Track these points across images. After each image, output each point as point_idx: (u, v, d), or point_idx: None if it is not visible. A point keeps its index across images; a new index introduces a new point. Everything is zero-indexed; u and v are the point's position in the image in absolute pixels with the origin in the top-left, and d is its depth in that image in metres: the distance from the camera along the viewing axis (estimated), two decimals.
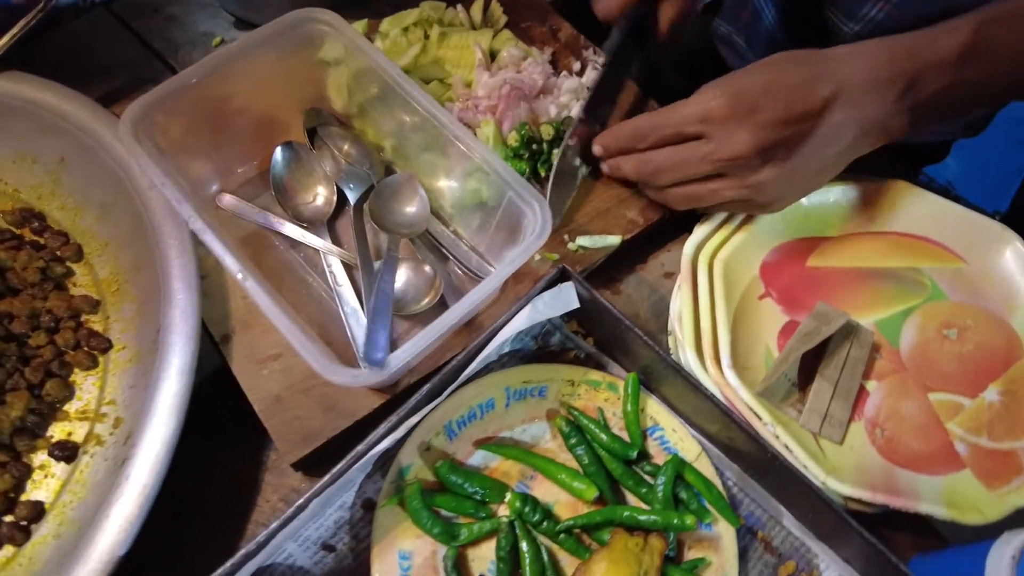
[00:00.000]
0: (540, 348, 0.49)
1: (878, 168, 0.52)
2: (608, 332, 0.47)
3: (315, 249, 0.50)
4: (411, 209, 0.50)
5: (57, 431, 0.45)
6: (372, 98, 0.51)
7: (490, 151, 0.45)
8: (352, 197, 0.51)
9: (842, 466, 0.41)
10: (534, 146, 0.54)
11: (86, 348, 0.48)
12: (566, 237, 0.53)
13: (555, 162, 0.52)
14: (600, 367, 0.48)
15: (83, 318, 0.50)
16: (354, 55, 0.49)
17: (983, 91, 0.44)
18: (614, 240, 0.53)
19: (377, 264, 0.48)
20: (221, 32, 0.66)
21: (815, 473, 0.39)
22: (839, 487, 0.39)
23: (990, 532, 0.39)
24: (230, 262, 0.39)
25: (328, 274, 0.48)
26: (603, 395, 0.46)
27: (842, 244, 0.51)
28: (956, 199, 0.51)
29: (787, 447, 0.40)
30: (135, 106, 0.44)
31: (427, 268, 0.48)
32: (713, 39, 0.70)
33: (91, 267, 0.52)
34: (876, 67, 0.42)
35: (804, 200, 0.50)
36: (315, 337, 0.45)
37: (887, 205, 0.51)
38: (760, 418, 0.41)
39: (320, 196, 0.51)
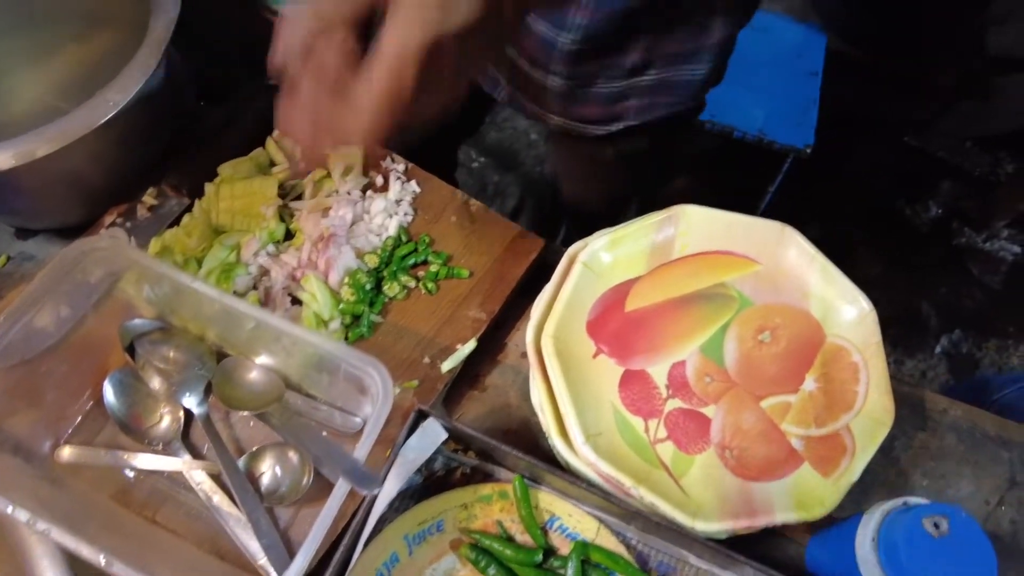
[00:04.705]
0: (427, 478, 0.51)
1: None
2: (483, 447, 0.50)
3: None
4: (260, 377, 0.50)
5: None
6: (175, 299, 0.51)
7: (304, 330, 0.46)
8: (193, 405, 0.50)
9: (705, 502, 0.46)
10: (368, 286, 0.56)
11: None
12: (426, 360, 0.55)
13: None
14: (488, 475, 0.51)
15: None
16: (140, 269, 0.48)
17: None
18: (471, 346, 0.55)
19: (241, 460, 0.48)
20: (4, 248, 0.62)
21: (683, 521, 0.44)
22: (706, 527, 0.44)
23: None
24: (87, 552, 0.38)
25: (198, 491, 0.48)
26: (497, 506, 0.49)
27: (651, 280, 0.55)
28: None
29: (653, 504, 0.45)
30: None
31: (291, 454, 0.48)
32: None
33: None
34: None
35: (606, 256, 0.54)
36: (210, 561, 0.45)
37: (681, 231, 0.56)
38: (624, 484, 0.45)
39: (165, 416, 0.50)
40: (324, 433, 0.51)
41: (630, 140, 0.71)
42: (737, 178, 1.34)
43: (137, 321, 0.52)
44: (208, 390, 0.51)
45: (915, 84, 1.59)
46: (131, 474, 0.49)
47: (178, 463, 0.48)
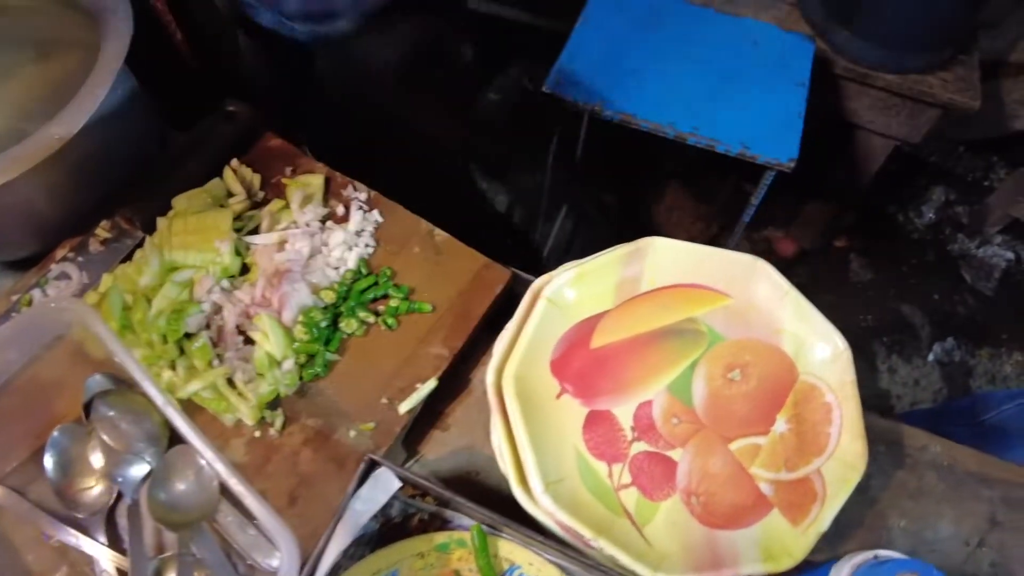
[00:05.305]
0: (383, 524, 0.49)
1: None
2: (439, 496, 0.48)
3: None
4: (194, 489, 0.46)
5: None
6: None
7: (227, 468, 0.42)
8: (127, 492, 0.47)
9: (669, 552, 0.44)
10: (323, 324, 0.54)
11: None
12: (383, 400, 0.52)
13: None
14: (446, 521, 0.49)
15: None
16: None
17: None
18: (431, 385, 0.53)
19: (154, 562, 0.45)
20: None
21: (644, 574, 0.42)
22: None
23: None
24: None
25: None
26: (456, 555, 0.47)
27: (619, 314, 0.53)
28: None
29: (614, 557, 0.43)
30: None
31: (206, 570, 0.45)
32: None
33: None
34: None
35: (570, 292, 0.52)
36: None
37: (649, 265, 0.54)
38: (584, 535, 0.43)
39: (98, 486, 0.48)
40: (249, 563, 0.46)
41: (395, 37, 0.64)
42: (722, 188, 1.32)
43: (98, 377, 0.50)
44: (146, 479, 0.48)
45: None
46: (47, 536, 0.47)
47: (90, 547, 0.46)
